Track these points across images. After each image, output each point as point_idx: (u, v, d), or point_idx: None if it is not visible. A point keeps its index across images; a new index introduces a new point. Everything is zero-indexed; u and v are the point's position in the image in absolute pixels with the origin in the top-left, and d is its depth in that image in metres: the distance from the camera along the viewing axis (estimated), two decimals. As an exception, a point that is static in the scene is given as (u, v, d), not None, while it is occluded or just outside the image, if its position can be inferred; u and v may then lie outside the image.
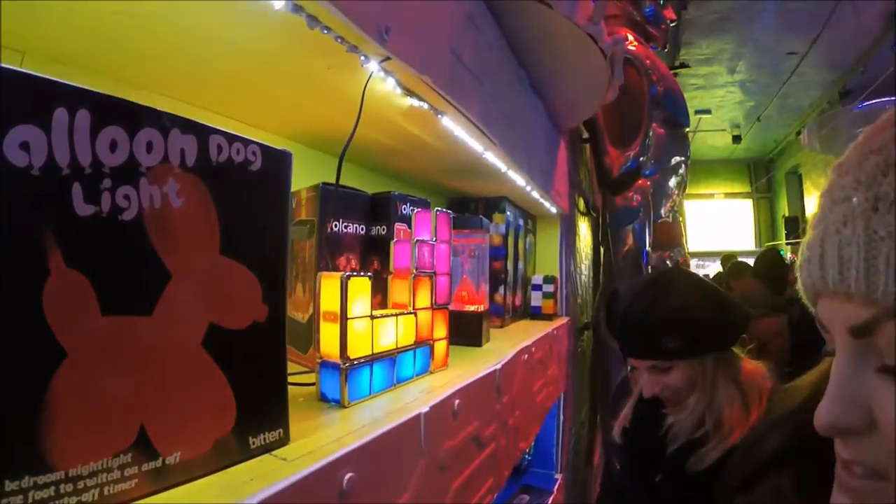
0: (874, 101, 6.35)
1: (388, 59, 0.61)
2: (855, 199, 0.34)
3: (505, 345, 1.12)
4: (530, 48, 1.19)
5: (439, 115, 0.81)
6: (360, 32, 0.53)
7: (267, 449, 0.45)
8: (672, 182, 2.64)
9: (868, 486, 0.36)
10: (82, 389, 0.32)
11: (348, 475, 0.45)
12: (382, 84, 0.67)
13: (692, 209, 10.73)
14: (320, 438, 0.49)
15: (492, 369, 0.86)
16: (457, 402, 0.70)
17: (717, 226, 10.60)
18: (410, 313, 0.74)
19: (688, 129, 2.81)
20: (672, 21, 3.03)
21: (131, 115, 0.35)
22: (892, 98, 6.28)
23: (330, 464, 0.43)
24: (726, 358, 1.01)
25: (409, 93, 0.72)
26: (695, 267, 10.52)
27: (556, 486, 1.94)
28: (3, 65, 0.29)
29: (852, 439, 0.36)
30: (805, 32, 5.97)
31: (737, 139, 9.46)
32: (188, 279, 0.38)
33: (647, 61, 2.59)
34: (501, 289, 1.49)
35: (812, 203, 9.26)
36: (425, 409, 0.60)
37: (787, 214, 9.91)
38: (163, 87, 0.73)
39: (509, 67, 1.17)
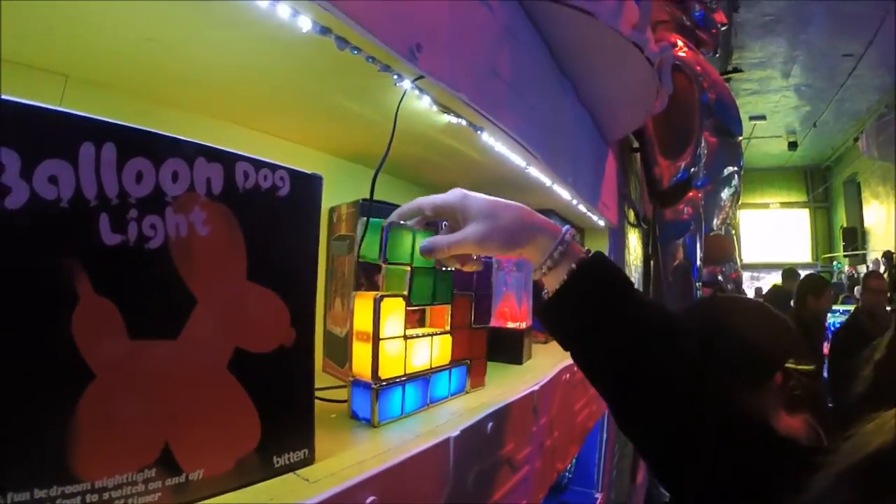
0: None
1: (421, 77, 0.61)
2: None
3: (546, 362, 1.10)
4: (573, 58, 1.18)
5: (478, 131, 0.80)
6: (390, 52, 0.54)
7: (291, 468, 0.45)
8: (725, 193, 2.56)
9: None
10: (109, 408, 0.34)
11: (370, 499, 0.45)
12: (417, 101, 0.68)
13: (746, 219, 10.44)
14: (346, 459, 0.49)
15: (529, 391, 0.85)
16: (490, 424, 0.69)
17: (772, 237, 10.26)
18: (446, 333, 0.74)
19: (742, 137, 2.73)
20: (723, 25, 2.95)
21: (157, 147, 0.36)
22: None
23: (352, 487, 0.43)
24: (756, 403, 0.94)
25: (446, 109, 0.72)
26: (749, 279, 10.20)
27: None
28: (31, 102, 0.30)
29: None
30: (860, 33, 5.83)
31: (793, 146, 9.22)
32: (214, 304, 0.38)
33: (698, 68, 2.53)
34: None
35: (871, 213, 8.88)
36: (455, 433, 0.59)
37: (844, 225, 9.54)
38: (200, 106, 0.75)
39: (552, 78, 1.16)
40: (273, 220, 0.43)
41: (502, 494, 0.75)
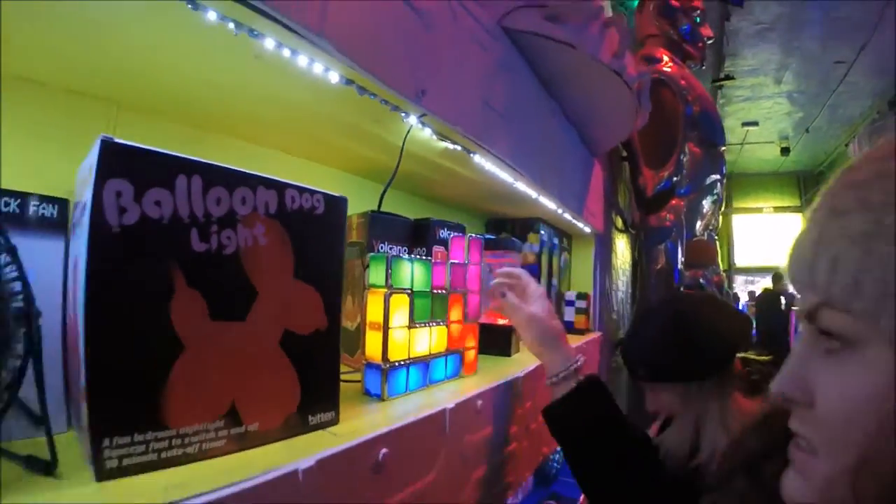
0: None
1: (424, 115, 0.74)
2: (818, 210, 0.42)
3: (532, 356, 1.23)
4: (560, 83, 1.31)
5: (471, 154, 0.93)
6: (400, 97, 0.67)
7: (321, 426, 0.57)
8: (707, 201, 2.69)
9: (804, 458, 0.42)
10: (193, 373, 0.46)
11: (383, 450, 0.57)
12: (421, 132, 0.80)
13: (740, 223, 10.54)
14: (363, 422, 0.61)
15: (514, 377, 0.97)
16: (479, 402, 0.82)
17: (765, 240, 10.36)
18: (443, 324, 0.86)
19: (729, 145, 2.83)
20: (709, 38, 3.07)
21: (230, 178, 0.48)
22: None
23: (370, 440, 0.56)
24: (716, 385, 1.01)
25: (444, 138, 0.84)
26: (742, 283, 10.33)
27: (583, 496, 2.01)
28: (141, 145, 0.42)
29: (798, 412, 0.43)
30: (852, 40, 5.87)
31: (785, 151, 9.27)
32: (270, 296, 0.51)
33: (683, 82, 2.66)
34: (535, 304, 1.59)
35: None
36: (451, 405, 0.72)
37: (836, 229, 9.65)
38: (242, 134, 0.88)
39: (541, 102, 1.29)
40: (312, 232, 0.55)
41: (491, 465, 0.87)
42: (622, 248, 2.92)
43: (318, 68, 0.59)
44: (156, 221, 0.43)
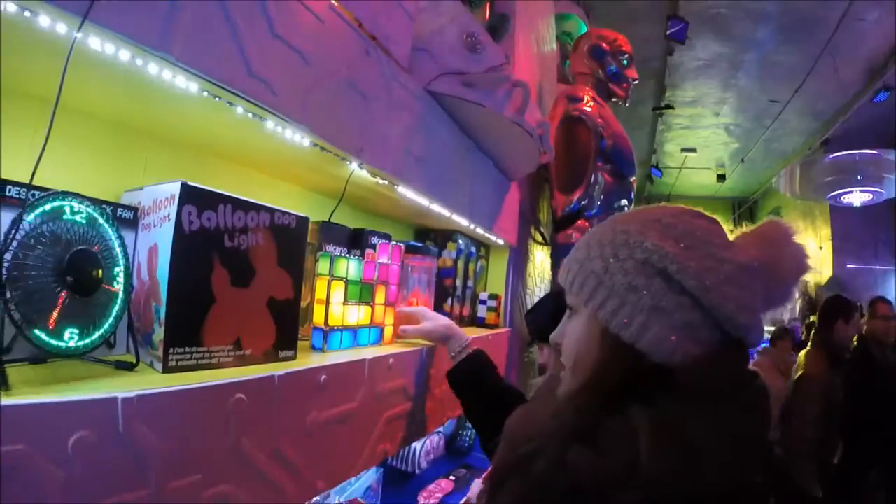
0: (840, 153, 6.81)
1: (362, 163, 1.10)
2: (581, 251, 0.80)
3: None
4: (475, 129, 1.70)
5: (395, 186, 1.31)
6: (346, 153, 1.04)
7: (286, 359, 0.93)
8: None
9: (565, 375, 0.79)
10: (220, 316, 0.81)
11: (323, 376, 0.93)
12: (360, 172, 1.17)
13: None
14: (311, 360, 0.97)
15: (419, 348, 1.35)
16: (391, 360, 1.18)
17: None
18: (368, 304, 1.23)
19: (668, 168, 3.18)
20: (634, 80, 3.50)
21: (246, 205, 0.84)
22: (856, 151, 6.77)
23: (315, 368, 0.92)
24: None
25: (376, 175, 1.21)
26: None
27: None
28: (200, 185, 0.78)
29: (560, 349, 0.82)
30: (788, 82, 6.30)
31: (721, 178, 9.80)
32: (263, 275, 0.87)
33: (600, 120, 3.09)
34: (450, 300, 1.97)
35: None
36: (369, 357, 1.09)
37: (767, 253, 10.34)
38: (239, 162, 1.22)
39: (458, 142, 1.67)
40: (288, 238, 0.91)
41: (398, 411, 1.24)
42: (541, 258, 3.35)
43: (297, 137, 0.95)
44: (207, 229, 0.79)
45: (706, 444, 0.60)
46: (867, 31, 5.31)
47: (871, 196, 6.86)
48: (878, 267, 8.03)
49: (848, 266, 8.15)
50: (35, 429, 0.54)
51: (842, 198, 7.04)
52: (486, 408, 1.27)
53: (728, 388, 0.66)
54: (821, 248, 8.66)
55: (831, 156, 6.76)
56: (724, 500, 0.62)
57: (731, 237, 0.77)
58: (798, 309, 7.61)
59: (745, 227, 0.80)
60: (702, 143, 8.74)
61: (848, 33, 5.28)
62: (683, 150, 8.82)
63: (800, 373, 3.28)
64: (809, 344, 3.46)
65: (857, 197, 6.92)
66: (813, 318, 4.17)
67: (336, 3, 1.01)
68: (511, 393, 1.29)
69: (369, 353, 1.15)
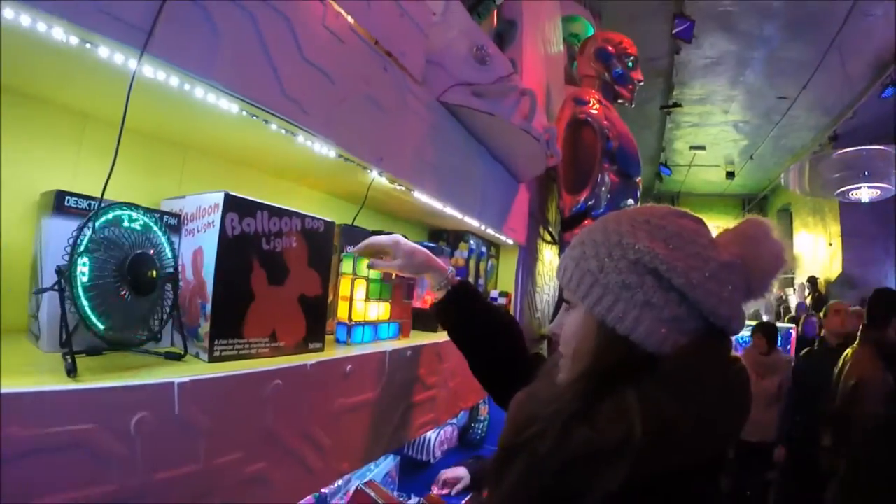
0: (848, 149, 6.77)
1: (382, 171, 1.20)
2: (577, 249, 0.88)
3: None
4: (484, 135, 1.79)
5: (411, 191, 1.40)
6: (367, 162, 1.13)
7: (315, 350, 1.03)
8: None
9: (564, 363, 0.87)
10: (258, 311, 0.90)
11: (349, 366, 1.03)
12: (380, 178, 1.27)
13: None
14: (337, 352, 1.07)
15: (435, 342, 1.44)
16: (409, 352, 1.28)
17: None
18: (388, 301, 1.32)
19: (678, 166, 3.22)
20: (640, 82, 3.57)
21: (281, 212, 0.93)
22: (864, 147, 6.74)
23: (341, 359, 1.02)
24: None
25: (394, 181, 1.31)
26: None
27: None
28: (246, 196, 0.87)
29: (558, 340, 0.89)
30: (795, 78, 6.33)
31: (730, 175, 9.79)
32: (295, 274, 0.96)
33: (605, 122, 3.16)
34: (461, 297, 2.07)
35: (800, 240, 9.68)
36: (389, 349, 1.18)
37: (776, 250, 10.28)
38: (271, 173, 1.32)
39: (469, 147, 1.76)
40: (317, 240, 1.01)
41: (417, 400, 1.33)
42: (550, 257, 3.43)
43: (325, 150, 1.05)
44: (247, 233, 0.88)
45: (682, 422, 0.69)
46: (874, 27, 5.32)
47: (879, 192, 6.83)
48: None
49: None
50: (103, 410, 0.63)
51: (850, 194, 7.01)
52: (479, 326, 1.22)
53: (707, 372, 0.74)
54: (830, 244, 8.64)
55: (839, 152, 6.74)
56: (699, 470, 0.72)
57: (715, 234, 0.85)
58: (796, 307, 7.59)
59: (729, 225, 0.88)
60: (711, 141, 8.74)
61: (855, 29, 5.29)
62: (692, 147, 8.84)
63: (853, 381, 3.05)
64: (857, 341, 3.29)
65: (865, 193, 6.87)
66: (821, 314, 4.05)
67: (354, 23, 1.10)
68: (499, 311, 1.28)
69: (389, 345, 1.24)
